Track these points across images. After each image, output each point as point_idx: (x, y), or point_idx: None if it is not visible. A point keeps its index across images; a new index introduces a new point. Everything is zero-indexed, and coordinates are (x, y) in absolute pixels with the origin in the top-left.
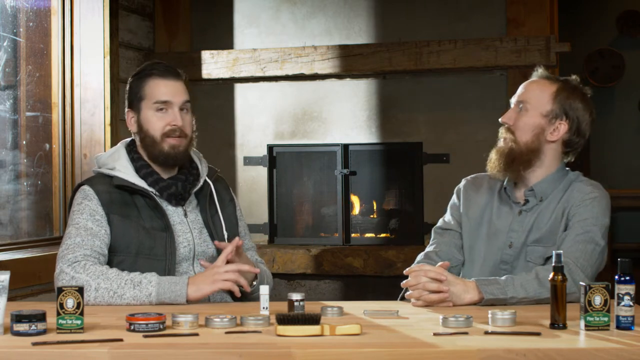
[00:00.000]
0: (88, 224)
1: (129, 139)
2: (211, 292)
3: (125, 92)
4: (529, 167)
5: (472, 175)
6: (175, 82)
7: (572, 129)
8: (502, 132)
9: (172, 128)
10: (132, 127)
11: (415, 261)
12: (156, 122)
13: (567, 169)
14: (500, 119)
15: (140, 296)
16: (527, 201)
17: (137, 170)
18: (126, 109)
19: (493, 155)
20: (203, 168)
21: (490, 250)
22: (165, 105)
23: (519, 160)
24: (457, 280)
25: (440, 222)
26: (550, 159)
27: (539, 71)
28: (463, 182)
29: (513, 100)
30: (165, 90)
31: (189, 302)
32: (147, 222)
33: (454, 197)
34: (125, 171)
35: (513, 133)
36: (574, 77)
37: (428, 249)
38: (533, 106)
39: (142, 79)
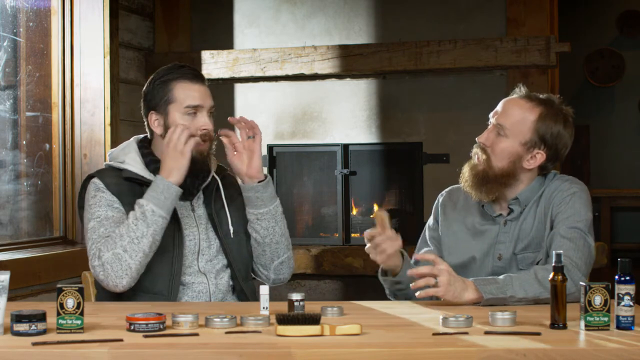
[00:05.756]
0: (108, 213)
1: (141, 136)
2: (185, 164)
3: (144, 94)
4: (504, 187)
5: (447, 190)
6: (203, 86)
7: (549, 156)
8: (476, 150)
9: (203, 132)
10: (158, 129)
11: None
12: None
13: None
14: (477, 139)
15: (150, 222)
16: (511, 210)
17: (147, 165)
18: (149, 111)
19: (466, 172)
20: (212, 164)
21: (479, 266)
22: (195, 110)
23: (492, 183)
24: (457, 278)
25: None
26: (526, 180)
27: (522, 91)
28: (440, 198)
29: (492, 119)
30: (197, 94)
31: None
32: None
33: (431, 218)
34: (135, 164)
35: (488, 156)
36: (557, 97)
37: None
38: (512, 133)
39: (170, 82)
